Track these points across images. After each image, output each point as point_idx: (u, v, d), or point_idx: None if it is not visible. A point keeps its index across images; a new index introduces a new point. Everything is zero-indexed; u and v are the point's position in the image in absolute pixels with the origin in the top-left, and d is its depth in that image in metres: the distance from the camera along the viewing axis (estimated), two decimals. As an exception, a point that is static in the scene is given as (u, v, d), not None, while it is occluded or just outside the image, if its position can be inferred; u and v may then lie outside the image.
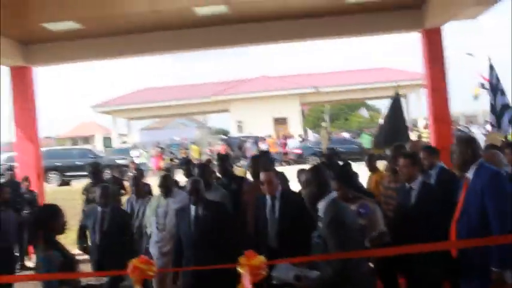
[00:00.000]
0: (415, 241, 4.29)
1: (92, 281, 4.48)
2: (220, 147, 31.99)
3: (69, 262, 4.22)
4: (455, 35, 43.57)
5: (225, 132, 31.39)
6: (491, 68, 9.70)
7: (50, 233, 4.24)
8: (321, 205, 3.93)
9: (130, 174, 9.78)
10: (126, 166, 18.01)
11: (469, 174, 4.39)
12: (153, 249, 6.72)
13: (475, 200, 4.27)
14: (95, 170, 9.21)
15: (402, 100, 10.99)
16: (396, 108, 9.38)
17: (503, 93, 9.39)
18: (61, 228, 4.32)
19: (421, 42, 10.91)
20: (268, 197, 5.50)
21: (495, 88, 9.50)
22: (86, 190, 9.04)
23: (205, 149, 33.30)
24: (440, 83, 10.67)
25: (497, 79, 9.50)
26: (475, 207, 4.26)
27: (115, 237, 6.62)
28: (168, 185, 6.80)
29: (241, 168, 14.02)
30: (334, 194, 4.05)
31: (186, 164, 7.30)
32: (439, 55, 10.70)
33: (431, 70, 10.76)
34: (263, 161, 6.98)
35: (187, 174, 7.08)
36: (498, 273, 4.07)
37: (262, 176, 5.56)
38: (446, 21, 10.29)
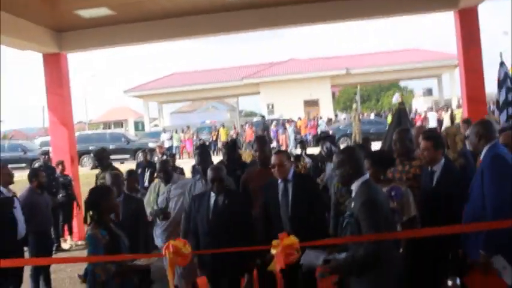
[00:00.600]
0: (436, 225, 4.24)
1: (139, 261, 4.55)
2: (247, 130, 32.05)
3: (115, 242, 4.32)
4: (491, 15, 42.43)
5: (260, 115, 31.26)
6: (501, 64, 9.57)
7: (100, 212, 4.37)
8: (355, 186, 3.91)
9: (159, 158, 9.71)
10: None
11: (482, 156, 4.35)
12: (159, 240, 6.44)
13: (478, 182, 4.22)
14: (100, 156, 9.16)
15: (406, 109, 10.90)
16: (401, 117, 9.23)
17: (509, 90, 9.28)
18: (111, 208, 4.47)
19: (455, 23, 10.67)
20: (280, 180, 5.28)
21: (501, 84, 9.43)
22: (97, 177, 9.04)
23: (232, 131, 33.34)
24: (475, 63, 10.43)
25: (506, 76, 9.39)
26: (477, 190, 4.20)
27: (130, 227, 5.65)
28: (167, 170, 6.54)
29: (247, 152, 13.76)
30: (367, 176, 4.01)
31: (201, 148, 6.86)
32: (474, 35, 10.45)
33: (466, 50, 10.52)
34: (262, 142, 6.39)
35: (202, 159, 6.44)
36: (485, 257, 3.99)
37: (273, 158, 5.31)
38: (482, 0, 10.04)
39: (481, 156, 4.36)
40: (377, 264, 3.69)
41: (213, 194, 5.36)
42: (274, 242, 3.94)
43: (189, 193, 6.10)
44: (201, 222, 5.31)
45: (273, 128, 31.91)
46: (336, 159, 4.06)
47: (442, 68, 40.86)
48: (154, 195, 6.61)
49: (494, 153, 4.26)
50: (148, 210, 6.43)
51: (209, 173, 5.41)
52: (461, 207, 4.43)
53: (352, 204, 3.87)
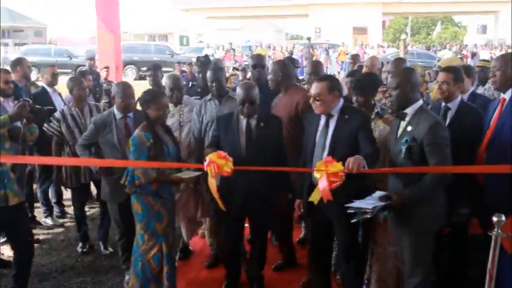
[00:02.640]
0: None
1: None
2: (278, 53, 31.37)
3: (158, 147, 4.30)
4: None
5: (307, 38, 30.42)
6: None
7: (149, 115, 4.36)
8: (410, 110, 3.70)
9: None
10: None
11: (506, 95, 4.02)
12: None
13: (510, 123, 3.90)
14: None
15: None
16: None
17: None
18: (161, 114, 4.39)
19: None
20: (322, 115, 4.22)
21: None
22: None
23: (271, 52, 32.72)
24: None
25: None
26: (510, 132, 3.88)
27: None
28: (180, 88, 5.50)
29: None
30: (420, 102, 3.79)
31: (215, 64, 5.91)
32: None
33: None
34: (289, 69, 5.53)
35: (215, 76, 5.42)
36: None
37: (313, 88, 4.22)
38: None
39: (506, 96, 4.01)
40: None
41: (242, 117, 4.56)
42: (319, 164, 3.73)
43: (198, 115, 5.26)
44: (232, 149, 4.34)
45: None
46: (394, 80, 3.77)
47: (500, 3, 38.95)
48: None
49: None
50: None
51: (239, 92, 4.55)
52: (473, 152, 4.12)
53: (409, 128, 3.67)
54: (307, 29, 44.88)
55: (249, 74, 7.62)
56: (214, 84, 5.18)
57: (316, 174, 3.72)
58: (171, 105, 5.22)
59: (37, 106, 4.53)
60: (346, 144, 4.00)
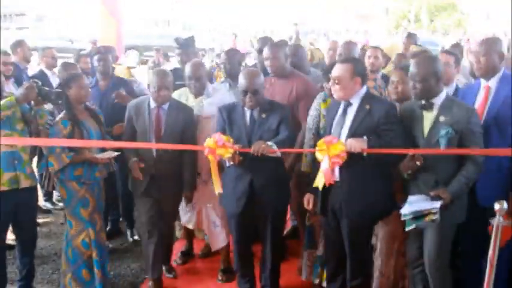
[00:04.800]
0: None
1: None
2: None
3: (77, 135, 4.29)
4: None
5: (294, 23, 29.89)
6: None
7: (69, 97, 4.36)
8: (438, 99, 3.62)
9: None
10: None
11: (491, 83, 3.88)
12: None
13: (506, 111, 3.74)
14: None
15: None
16: None
17: None
18: (82, 94, 4.41)
19: None
20: (341, 102, 3.89)
21: None
22: None
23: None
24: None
25: None
26: (508, 121, 3.74)
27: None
28: (199, 77, 4.74)
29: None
30: (445, 91, 3.70)
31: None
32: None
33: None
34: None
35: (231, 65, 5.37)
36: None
37: (334, 69, 3.82)
38: None
39: (490, 84, 3.89)
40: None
41: (246, 109, 4.21)
42: (320, 144, 3.65)
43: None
44: (236, 143, 4.04)
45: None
46: (418, 72, 3.57)
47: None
48: None
49: None
50: None
51: (241, 81, 4.16)
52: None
53: (442, 118, 3.56)
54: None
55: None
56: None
57: (319, 155, 3.67)
58: (191, 96, 4.80)
59: (45, 88, 4.44)
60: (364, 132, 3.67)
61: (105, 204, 4.78)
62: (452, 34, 33.24)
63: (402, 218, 3.50)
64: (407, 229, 3.53)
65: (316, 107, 4.46)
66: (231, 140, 4.00)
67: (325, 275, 4.46)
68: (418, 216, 3.43)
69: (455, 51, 4.78)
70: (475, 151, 3.52)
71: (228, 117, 4.24)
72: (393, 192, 3.91)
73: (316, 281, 4.57)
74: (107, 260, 4.63)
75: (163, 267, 4.88)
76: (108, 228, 5.46)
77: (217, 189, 4.15)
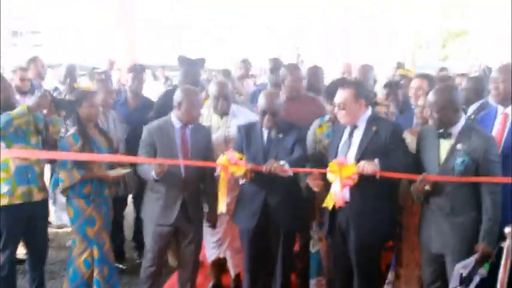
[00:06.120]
0: None
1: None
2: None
3: (87, 150, 4.25)
4: None
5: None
6: None
7: (80, 115, 4.34)
8: (456, 129, 3.58)
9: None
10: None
11: (508, 110, 3.87)
12: None
13: None
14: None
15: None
16: None
17: None
18: (92, 112, 4.39)
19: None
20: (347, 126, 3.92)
21: None
22: None
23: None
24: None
25: None
26: None
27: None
28: (226, 96, 4.66)
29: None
30: (464, 118, 3.67)
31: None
32: None
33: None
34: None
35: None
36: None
37: (337, 95, 3.87)
38: None
39: (508, 111, 3.88)
40: None
41: (264, 129, 4.23)
42: (332, 165, 3.64)
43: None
44: (253, 161, 4.09)
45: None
46: (436, 101, 3.55)
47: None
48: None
49: None
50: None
51: (261, 101, 4.20)
52: None
53: (459, 146, 3.53)
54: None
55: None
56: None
57: (330, 176, 3.68)
58: (215, 117, 4.71)
59: (58, 97, 4.46)
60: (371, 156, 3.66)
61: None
62: (465, 61, 33.23)
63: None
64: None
65: (312, 132, 4.49)
66: (244, 157, 4.02)
67: None
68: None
69: (429, 76, 4.84)
70: (488, 179, 3.48)
71: (247, 135, 4.27)
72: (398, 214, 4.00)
73: None
74: (117, 280, 4.58)
75: None
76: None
77: (222, 208, 4.17)
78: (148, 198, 4.40)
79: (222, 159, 4.00)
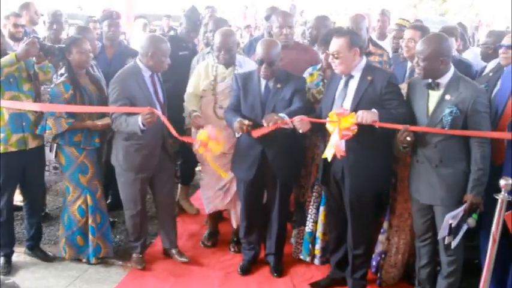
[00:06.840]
0: None
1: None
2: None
3: (78, 99, 4.24)
4: None
5: None
6: None
7: (71, 61, 4.32)
8: (445, 79, 3.56)
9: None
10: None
11: None
12: None
13: None
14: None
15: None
16: None
17: None
18: (83, 58, 4.34)
19: None
20: (342, 76, 3.89)
21: None
22: None
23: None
24: None
25: None
26: None
27: None
28: (229, 48, 4.46)
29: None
30: (453, 70, 3.62)
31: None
32: None
33: None
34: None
35: None
36: None
37: (332, 44, 3.81)
38: None
39: None
40: None
41: (262, 78, 4.19)
42: (331, 115, 3.62)
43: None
44: (251, 113, 4.15)
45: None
46: (423, 50, 3.50)
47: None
48: (207, 81, 4.60)
49: None
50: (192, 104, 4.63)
51: (258, 50, 4.11)
52: None
53: (447, 97, 3.51)
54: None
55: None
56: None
57: (329, 127, 3.66)
58: (220, 67, 4.56)
59: (48, 44, 4.39)
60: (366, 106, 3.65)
61: (106, 177, 4.74)
62: (464, 15, 32.77)
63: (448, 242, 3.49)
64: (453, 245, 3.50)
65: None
66: (223, 132, 4.06)
67: (316, 251, 4.54)
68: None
69: (423, 28, 4.68)
70: (476, 133, 3.48)
71: (244, 85, 4.22)
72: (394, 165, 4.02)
73: (308, 259, 4.59)
74: (109, 226, 4.65)
75: (174, 251, 4.73)
76: (108, 201, 5.22)
77: (224, 175, 4.32)
78: (126, 148, 4.33)
79: (201, 135, 3.97)
